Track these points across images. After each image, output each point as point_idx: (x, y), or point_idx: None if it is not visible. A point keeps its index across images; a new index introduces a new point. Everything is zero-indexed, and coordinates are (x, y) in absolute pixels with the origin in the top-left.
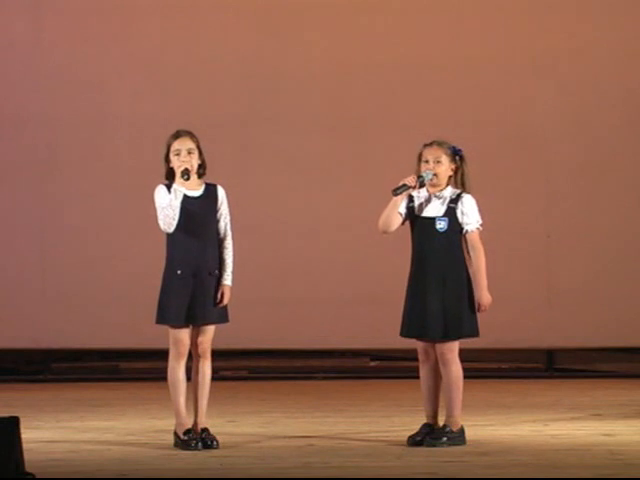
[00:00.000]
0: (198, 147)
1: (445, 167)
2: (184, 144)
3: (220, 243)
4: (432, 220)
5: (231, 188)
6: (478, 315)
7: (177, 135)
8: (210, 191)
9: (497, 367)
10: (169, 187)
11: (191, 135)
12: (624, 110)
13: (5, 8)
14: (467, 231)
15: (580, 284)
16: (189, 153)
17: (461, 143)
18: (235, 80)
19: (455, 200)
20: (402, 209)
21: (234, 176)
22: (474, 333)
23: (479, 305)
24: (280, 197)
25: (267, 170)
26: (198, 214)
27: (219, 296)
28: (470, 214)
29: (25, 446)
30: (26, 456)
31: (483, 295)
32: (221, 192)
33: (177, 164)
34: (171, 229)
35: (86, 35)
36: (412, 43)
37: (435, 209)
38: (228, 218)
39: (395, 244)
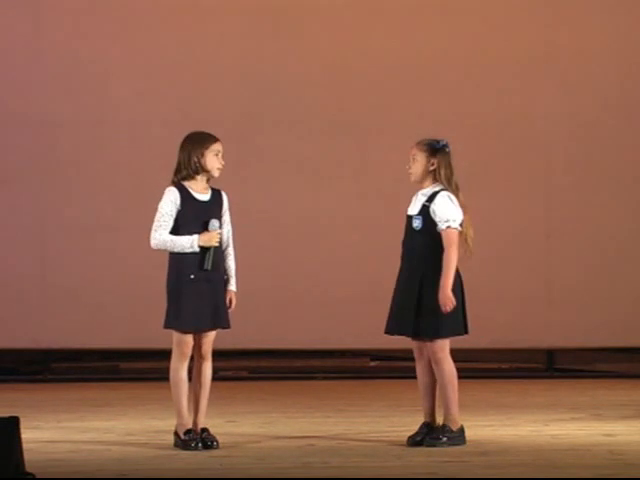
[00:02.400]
0: None
1: (420, 164)
2: (221, 148)
3: (224, 249)
4: (411, 218)
5: (230, 188)
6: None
7: (215, 137)
8: (216, 196)
9: (497, 367)
10: (180, 190)
11: None
12: (624, 110)
13: (5, 8)
14: (439, 229)
15: (580, 284)
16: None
17: (461, 143)
18: (235, 80)
19: (431, 198)
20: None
21: (233, 176)
22: (456, 331)
23: (444, 305)
24: (280, 197)
25: (267, 170)
26: (207, 218)
27: (227, 302)
28: (440, 213)
29: (25, 446)
30: (26, 456)
31: (441, 294)
32: (225, 197)
33: (217, 165)
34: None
35: (86, 35)
36: (412, 43)
37: (414, 207)
38: (231, 224)
39: (395, 244)
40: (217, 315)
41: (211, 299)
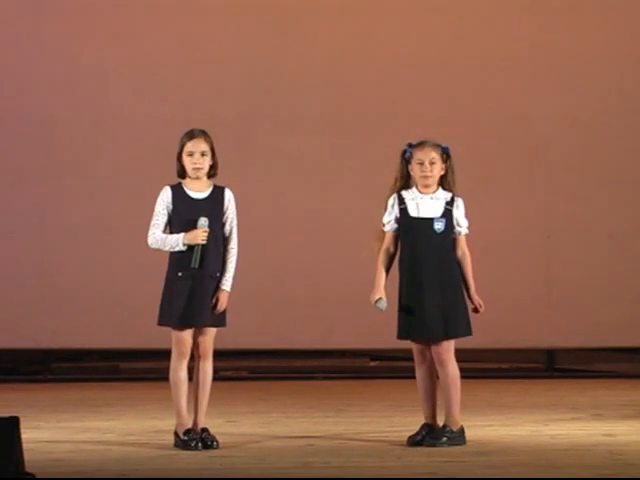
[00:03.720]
0: (212, 148)
1: (439, 168)
2: (198, 146)
3: (224, 247)
4: (429, 221)
5: (231, 188)
6: (474, 315)
7: (191, 136)
8: (216, 194)
9: (497, 367)
10: (175, 189)
11: (206, 136)
12: (624, 110)
13: (5, 8)
14: (459, 233)
15: (580, 284)
16: (202, 155)
17: (461, 143)
18: (235, 80)
19: (451, 202)
20: (394, 214)
21: (234, 176)
22: (470, 332)
23: (480, 305)
24: (280, 197)
25: (267, 170)
26: (198, 217)
27: (214, 301)
28: (464, 218)
29: (25, 446)
30: (26, 456)
31: (476, 296)
32: (228, 195)
33: (190, 166)
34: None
35: (86, 35)
36: (412, 43)
37: (432, 210)
38: (235, 222)
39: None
40: (203, 313)
41: (196, 297)
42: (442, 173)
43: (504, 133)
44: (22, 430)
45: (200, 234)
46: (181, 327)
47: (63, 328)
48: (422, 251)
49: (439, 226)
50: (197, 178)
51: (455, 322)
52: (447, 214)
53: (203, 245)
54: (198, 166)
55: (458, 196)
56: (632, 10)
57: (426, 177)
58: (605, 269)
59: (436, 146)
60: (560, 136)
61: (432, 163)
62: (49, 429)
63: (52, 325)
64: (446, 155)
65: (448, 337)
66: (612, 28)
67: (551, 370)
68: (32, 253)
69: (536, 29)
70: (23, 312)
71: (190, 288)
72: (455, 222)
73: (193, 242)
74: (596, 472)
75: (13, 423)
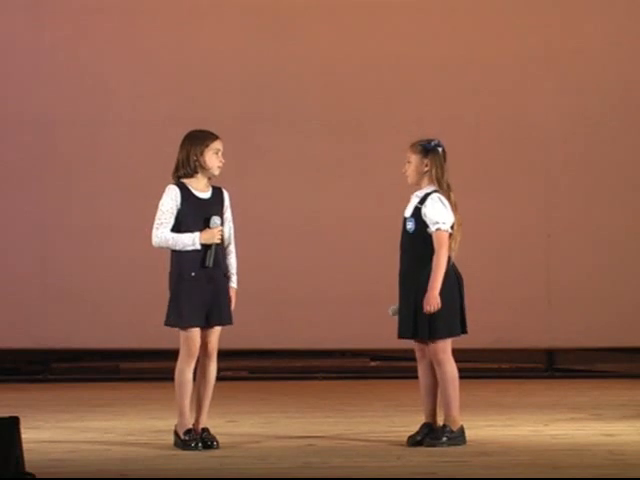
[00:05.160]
0: None
1: (414, 166)
2: (221, 146)
3: (226, 247)
4: (405, 220)
5: (231, 188)
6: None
7: (215, 135)
8: (217, 194)
9: (497, 367)
10: (181, 188)
11: None
12: (624, 110)
13: (5, 8)
14: (430, 232)
15: (580, 284)
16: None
17: (461, 143)
18: (235, 80)
19: (423, 200)
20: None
21: (234, 176)
22: (453, 332)
23: (429, 309)
24: (280, 197)
25: (267, 170)
26: (208, 216)
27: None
28: (430, 215)
29: (25, 446)
30: (26, 456)
31: (428, 294)
32: (227, 196)
33: (217, 163)
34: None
35: (86, 35)
36: (412, 43)
37: (409, 209)
38: (232, 222)
39: (395, 244)
40: (219, 312)
41: (213, 296)
42: (426, 169)
43: (504, 133)
44: (22, 430)
45: (216, 233)
46: (201, 327)
47: (63, 328)
48: (401, 251)
49: (410, 226)
50: (209, 178)
51: (428, 323)
52: (416, 213)
53: (217, 244)
54: (221, 164)
55: (436, 192)
56: (633, 10)
57: (405, 177)
58: (605, 269)
59: (414, 145)
60: (560, 136)
61: (407, 162)
62: (49, 429)
63: (52, 325)
64: (425, 151)
65: (417, 337)
66: (613, 28)
67: (551, 370)
68: (32, 253)
69: (536, 29)
70: (23, 312)
71: (207, 288)
72: (425, 220)
73: (210, 241)
74: (596, 472)
75: (13, 423)
